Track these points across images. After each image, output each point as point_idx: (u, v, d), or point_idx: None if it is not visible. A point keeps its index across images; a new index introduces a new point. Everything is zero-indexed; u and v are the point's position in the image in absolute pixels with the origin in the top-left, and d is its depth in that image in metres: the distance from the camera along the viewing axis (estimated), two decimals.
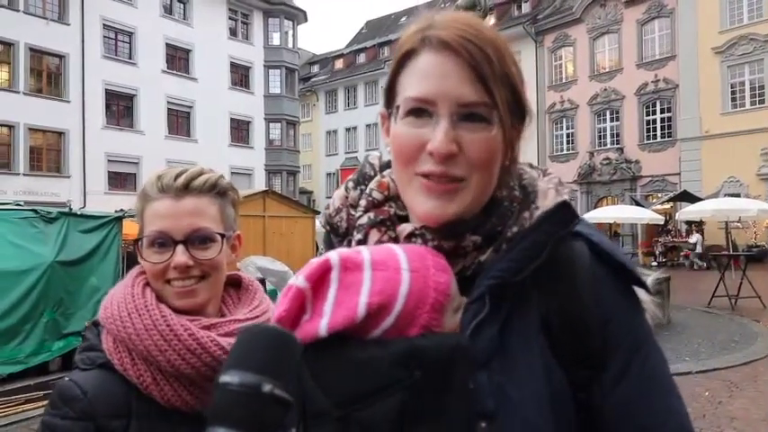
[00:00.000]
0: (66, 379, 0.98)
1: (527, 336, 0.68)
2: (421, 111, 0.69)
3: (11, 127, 21.61)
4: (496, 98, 0.68)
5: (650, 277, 0.80)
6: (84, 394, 0.94)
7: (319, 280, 0.67)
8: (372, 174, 0.83)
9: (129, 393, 0.96)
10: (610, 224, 20.63)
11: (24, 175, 21.86)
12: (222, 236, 1.04)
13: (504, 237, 0.71)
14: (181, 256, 0.99)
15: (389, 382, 0.62)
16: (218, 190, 1.06)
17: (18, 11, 21.90)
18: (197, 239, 1.01)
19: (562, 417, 0.66)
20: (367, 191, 0.80)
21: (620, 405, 0.68)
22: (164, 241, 1.00)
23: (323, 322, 0.65)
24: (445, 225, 0.71)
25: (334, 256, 0.68)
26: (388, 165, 0.82)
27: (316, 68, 45.93)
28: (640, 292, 0.74)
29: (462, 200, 0.70)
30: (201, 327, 0.99)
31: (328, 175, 40.36)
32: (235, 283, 1.17)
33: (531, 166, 0.80)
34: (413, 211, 0.73)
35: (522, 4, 31.47)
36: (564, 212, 0.70)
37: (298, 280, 0.67)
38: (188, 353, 0.95)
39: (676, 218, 19.60)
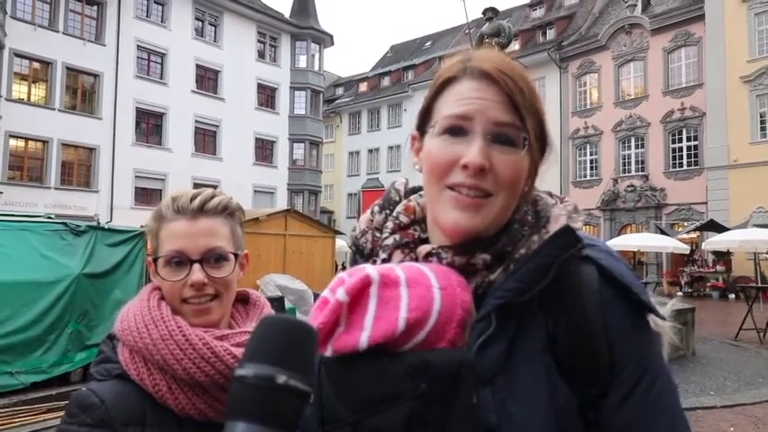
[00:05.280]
0: (84, 388, 1.00)
1: (532, 355, 0.71)
2: (457, 129, 0.74)
3: (45, 142, 22.24)
4: (527, 125, 0.74)
5: (668, 304, 0.81)
6: (101, 402, 0.96)
7: (358, 294, 0.70)
8: (397, 199, 0.88)
9: (144, 403, 0.99)
10: (634, 252, 20.24)
11: (55, 188, 22.38)
12: (235, 255, 1.09)
13: (513, 258, 0.74)
14: (197, 273, 1.04)
15: (398, 392, 0.65)
16: (229, 211, 1.11)
17: (58, 31, 22.73)
18: (212, 258, 1.06)
19: None
20: (394, 214, 0.85)
21: (624, 425, 0.70)
22: (180, 260, 1.05)
23: (363, 335, 0.67)
24: (467, 238, 0.74)
25: (373, 271, 0.71)
26: (413, 191, 0.88)
27: (340, 90, 46.54)
28: (656, 318, 0.75)
29: (487, 214, 0.74)
30: (215, 337, 1.03)
31: (350, 195, 40.49)
32: (243, 300, 1.21)
33: (550, 194, 0.84)
34: (440, 223, 0.77)
35: (547, 31, 31.52)
36: (567, 237, 0.73)
37: (338, 293, 0.70)
38: (203, 361, 0.98)
39: (702, 248, 19.15)
